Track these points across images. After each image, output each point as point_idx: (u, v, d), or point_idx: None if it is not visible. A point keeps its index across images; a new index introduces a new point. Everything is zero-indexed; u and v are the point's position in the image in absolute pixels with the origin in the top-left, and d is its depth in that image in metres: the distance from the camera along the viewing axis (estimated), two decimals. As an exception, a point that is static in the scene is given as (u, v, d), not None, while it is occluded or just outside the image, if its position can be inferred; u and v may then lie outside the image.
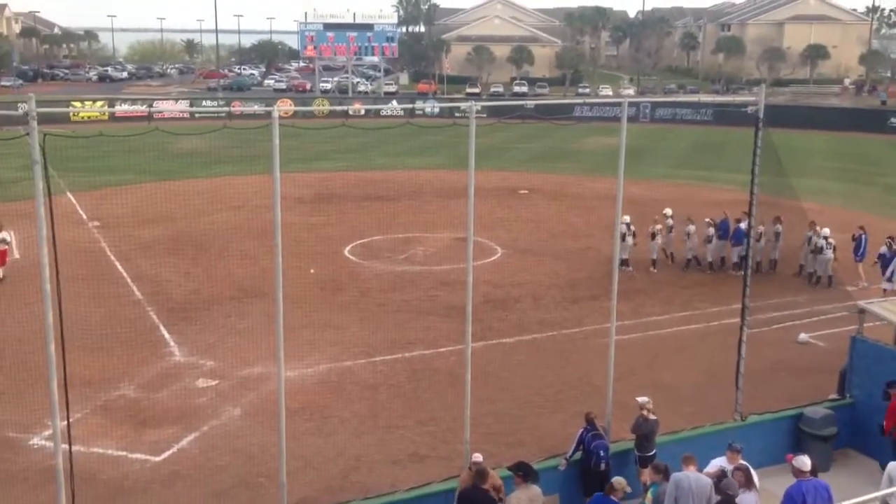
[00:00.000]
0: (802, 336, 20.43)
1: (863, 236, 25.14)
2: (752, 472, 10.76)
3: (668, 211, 26.66)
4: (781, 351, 19.40)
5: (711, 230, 26.12)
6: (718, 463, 11.19)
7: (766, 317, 20.80)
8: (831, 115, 72.12)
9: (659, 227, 26.16)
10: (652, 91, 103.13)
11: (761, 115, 13.16)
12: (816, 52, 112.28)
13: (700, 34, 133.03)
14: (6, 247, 23.76)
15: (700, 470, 10.71)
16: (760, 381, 16.42)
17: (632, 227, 25.32)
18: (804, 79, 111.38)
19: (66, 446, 10.02)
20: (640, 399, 12.83)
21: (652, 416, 12.66)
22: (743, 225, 25.14)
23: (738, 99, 75.51)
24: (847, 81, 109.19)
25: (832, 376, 16.17)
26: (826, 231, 24.78)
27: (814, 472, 10.31)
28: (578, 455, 12.42)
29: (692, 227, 26.22)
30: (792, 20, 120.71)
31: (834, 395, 15.45)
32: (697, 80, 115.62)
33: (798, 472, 10.24)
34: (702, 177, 44.16)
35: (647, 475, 11.40)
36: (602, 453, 12.14)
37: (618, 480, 10.51)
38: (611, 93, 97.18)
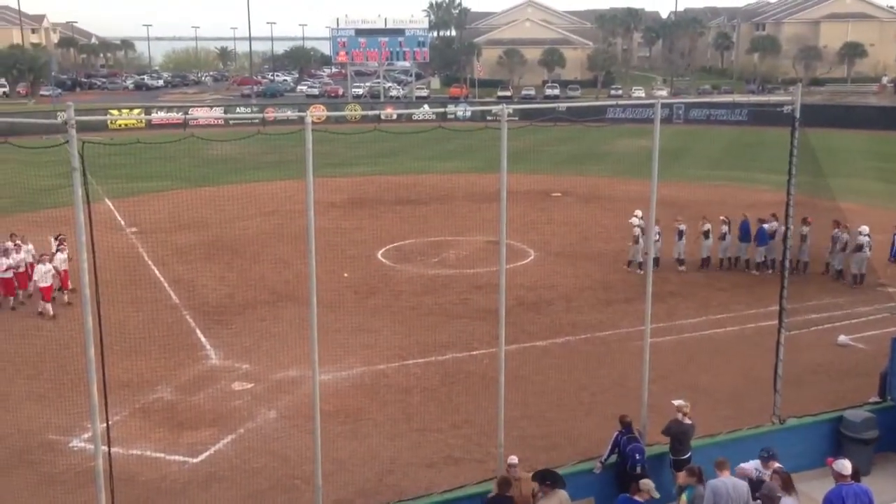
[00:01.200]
0: (842, 338, 20.12)
1: None
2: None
3: (639, 213, 26.20)
4: (821, 353, 19.12)
5: (726, 227, 26.15)
6: (752, 464, 11.07)
7: (805, 319, 20.46)
8: (869, 114, 71.02)
9: (683, 226, 26.13)
10: (685, 92, 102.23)
11: (797, 114, 13.00)
12: (853, 51, 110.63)
13: (734, 34, 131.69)
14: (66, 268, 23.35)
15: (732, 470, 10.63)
16: (799, 384, 16.19)
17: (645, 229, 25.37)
18: (841, 77, 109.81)
19: (105, 448, 10.16)
20: (676, 402, 12.72)
21: (687, 420, 12.54)
22: (766, 226, 25.36)
23: (773, 99, 74.63)
24: (885, 80, 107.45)
25: (873, 379, 15.88)
26: (865, 229, 24.48)
27: (854, 475, 10.14)
28: (614, 458, 12.34)
29: (708, 226, 26.13)
30: (828, 18, 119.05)
31: (875, 398, 15.17)
32: (732, 80, 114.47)
33: (838, 476, 10.08)
34: (738, 178, 43.66)
35: (681, 478, 11.30)
36: (638, 456, 12.04)
37: (645, 483, 10.43)
38: (643, 94, 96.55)
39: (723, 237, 26.14)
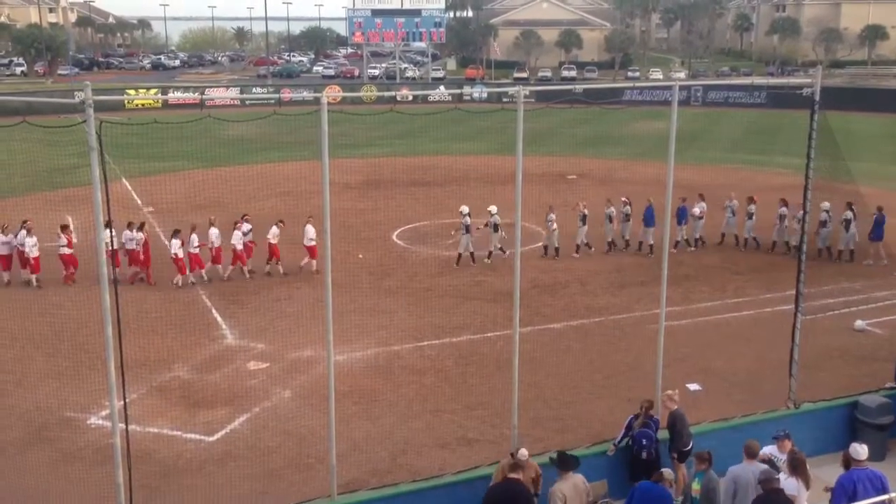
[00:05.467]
0: (859, 323, 20.00)
1: None
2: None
3: (465, 209, 25.01)
4: (837, 338, 19.01)
5: (628, 209, 26.46)
6: (767, 450, 11.04)
7: (821, 303, 20.35)
8: (890, 98, 70.14)
9: (612, 210, 26.33)
10: (704, 74, 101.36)
11: (817, 97, 12.87)
12: (875, 33, 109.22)
13: (754, 15, 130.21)
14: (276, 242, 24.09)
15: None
16: (815, 368, 16.09)
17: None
18: (862, 60, 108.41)
19: (122, 426, 10.27)
20: (668, 392, 12.56)
21: (674, 407, 12.29)
22: (696, 209, 26.52)
23: (792, 81, 73.79)
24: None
25: (889, 364, 15.81)
26: (826, 205, 24.39)
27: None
28: (626, 441, 12.32)
29: (612, 209, 26.28)
30: (849, 0, 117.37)
31: (891, 383, 15.09)
32: (751, 62, 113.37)
33: (852, 461, 10.03)
34: (756, 161, 43.33)
35: (691, 469, 11.28)
36: (644, 441, 11.95)
37: (668, 472, 10.42)
38: (661, 76, 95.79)
39: (626, 219, 26.40)
